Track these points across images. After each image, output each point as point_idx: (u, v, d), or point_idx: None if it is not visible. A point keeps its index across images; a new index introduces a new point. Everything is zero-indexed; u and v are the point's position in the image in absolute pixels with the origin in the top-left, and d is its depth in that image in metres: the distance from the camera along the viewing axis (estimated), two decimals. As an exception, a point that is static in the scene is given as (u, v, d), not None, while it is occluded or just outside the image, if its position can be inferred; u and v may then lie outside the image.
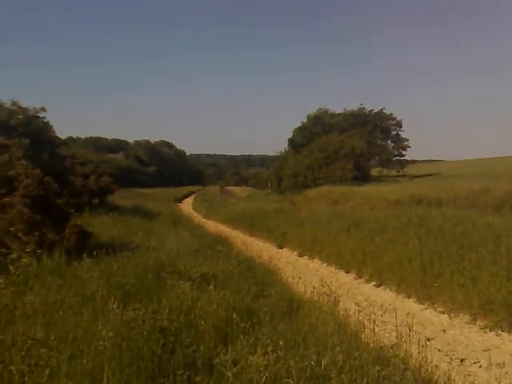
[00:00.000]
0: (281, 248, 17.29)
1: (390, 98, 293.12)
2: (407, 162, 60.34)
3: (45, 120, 30.52)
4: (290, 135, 58.64)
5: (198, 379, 4.21)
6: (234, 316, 5.51)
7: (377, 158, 58.06)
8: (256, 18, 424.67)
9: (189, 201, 62.52)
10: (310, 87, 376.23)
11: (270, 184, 62.37)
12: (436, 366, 5.07)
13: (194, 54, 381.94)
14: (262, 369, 4.19)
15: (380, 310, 8.52)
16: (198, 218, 32.29)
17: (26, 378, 3.96)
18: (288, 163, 52.14)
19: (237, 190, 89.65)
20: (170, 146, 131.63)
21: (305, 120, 58.08)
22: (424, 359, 4.91)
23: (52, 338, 4.57)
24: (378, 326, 6.19)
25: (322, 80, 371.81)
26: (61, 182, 12.49)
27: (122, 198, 29.84)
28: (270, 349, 4.47)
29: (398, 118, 58.12)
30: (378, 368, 4.42)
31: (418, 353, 5.01)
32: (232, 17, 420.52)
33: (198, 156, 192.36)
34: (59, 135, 35.94)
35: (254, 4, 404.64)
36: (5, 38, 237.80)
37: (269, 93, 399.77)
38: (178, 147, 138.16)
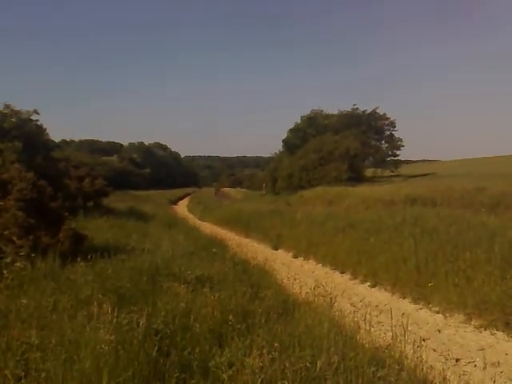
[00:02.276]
0: (276, 249, 17.28)
1: (383, 98, 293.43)
2: (401, 162, 60.39)
3: (38, 123, 30.47)
4: (285, 136, 58.81)
5: (193, 382, 4.21)
6: (230, 318, 5.51)
7: (371, 158, 58.09)
8: (252, 19, 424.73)
9: (184, 203, 62.40)
10: (305, 88, 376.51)
11: (264, 185, 62.36)
12: (431, 366, 5.09)
13: (190, 55, 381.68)
14: (257, 371, 4.19)
15: (375, 310, 8.53)
16: (193, 220, 32.25)
17: (22, 383, 3.94)
18: (283, 164, 52.24)
19: (232, 191, 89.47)
20: (164, 148, 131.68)
21: (299, 121, 58.22)
22: (419, 359, 4.92)
23: (47, 341, 4.56)
24: (373, 326, 6.19)
25: (316, 81, 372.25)
26: (55, 186, 12.47)
27: (116, 200, 29.81)
28: (265, 350, 4.46)
29: (392, 118, 58.22)
30: (373, 369, 4.43)
31: (414, 353, 5.01)
32: (229, 18, 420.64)
33: (193, 158, 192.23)
34: (53, 138, 35.88)
35: (250, 5, 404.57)
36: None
37: (264, 93, 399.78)
38: (172, 149, 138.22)
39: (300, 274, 12.44)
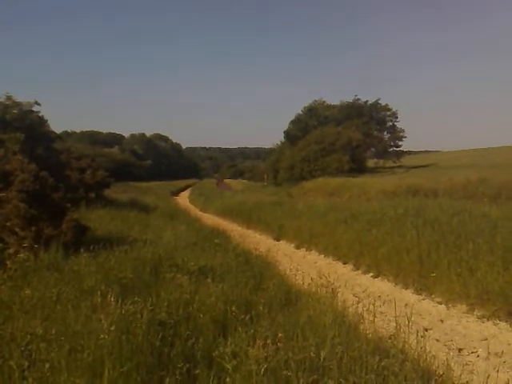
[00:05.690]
0: (278, 240, 17.30)
1: (385, 89, 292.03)
2: (403, 152, 60.38)
3: (39, 114, 30.41)
4: (286, 127, 58.75)
5: (197, 372, 4.22)
6: (233, 308, 5.52)
7: (373, 149, 58.07)
8: (250, 5, 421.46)
9: (185, 194, 62.41)
10: (307, 78, 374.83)
11: (265, 176, 62.38)
12: (434, 356, 5.08)
13: (188, 44, 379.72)
14: (261, 361, 4.19)
15: (378, 300, 8.51)
16: (194, 211, 32.25)
17: (26, 373, 3.96)
18: (284, 155, 52.18)
19: (233, 182, 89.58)
20: (165, 139, 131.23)
21: (300, 112, 58.13)
22: (422, 349, 4.92)
23: (51, 332, 4.57)
24: (376, 316, 6.19)
25: (318, 70, 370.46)
26: (57, 177, 12.43)
27: (118, 192, 29.81)
28: (269, 341, 4.47)
29: (394, 109, 58.08)
30: (377, 358, 4.43)
31: (417, 343, 5.01)
32: (223, 4, 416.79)
33: (194, 149, 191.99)
34: (54, 129, 35.85)
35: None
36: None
37: (265, 84, 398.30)
38: (173, 140, 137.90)
39: (302, 264, 12.46)
